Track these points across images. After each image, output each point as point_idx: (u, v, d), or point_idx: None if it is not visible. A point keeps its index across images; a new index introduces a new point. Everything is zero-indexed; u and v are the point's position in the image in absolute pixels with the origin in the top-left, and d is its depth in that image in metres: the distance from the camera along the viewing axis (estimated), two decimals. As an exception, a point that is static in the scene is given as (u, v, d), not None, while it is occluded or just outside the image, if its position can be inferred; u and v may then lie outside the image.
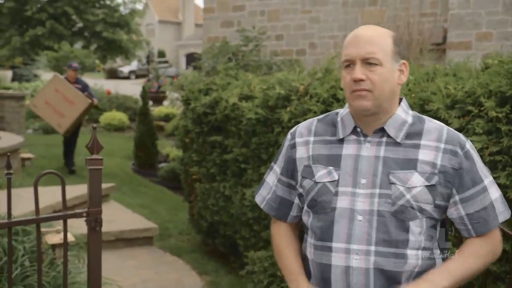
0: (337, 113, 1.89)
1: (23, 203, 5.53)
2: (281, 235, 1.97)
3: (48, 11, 21.65)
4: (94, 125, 2.63)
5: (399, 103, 1.83)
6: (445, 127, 1.80)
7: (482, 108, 2.89)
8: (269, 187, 1.98)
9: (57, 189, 5.90)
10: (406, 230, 1.71)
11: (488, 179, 1.77)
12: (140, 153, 10.72)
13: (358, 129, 1.80)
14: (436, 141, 1.75)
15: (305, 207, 1.87)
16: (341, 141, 1.81)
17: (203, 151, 5.57)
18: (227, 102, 5.06)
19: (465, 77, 3.22)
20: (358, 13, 9.41)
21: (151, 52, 25.94)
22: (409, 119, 1.79)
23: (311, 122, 1.92)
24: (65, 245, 2.64)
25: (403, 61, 1.78)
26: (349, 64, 1.75)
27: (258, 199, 2.02)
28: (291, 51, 10.89)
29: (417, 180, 1.71)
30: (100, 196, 2.66)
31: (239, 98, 4.96)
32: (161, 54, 50.73)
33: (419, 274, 1.75)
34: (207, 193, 5.51)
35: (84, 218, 2.64)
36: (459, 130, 3.00)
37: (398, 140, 1.76)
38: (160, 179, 10.11)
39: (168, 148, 11.54)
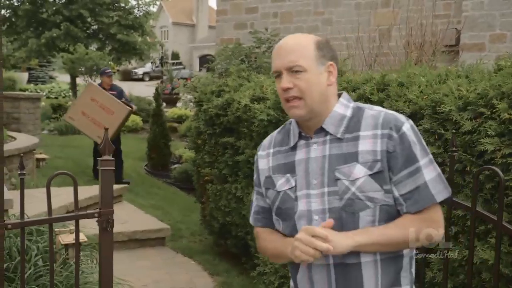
0: (290, 123, 1.96)
1: (37, 203, 5.57)
2: (268, 232, 1.99)
3: (64, 14, 21.80)
4: (106, 126, 2.66)
5: (338, 99, 1.88)
6: (383, 111, 1.82)
7: (494, 110, 2.88)
8: (253, 204, 2.06)
9: (71, 189, 5.94)
10: (357, 221, 1.75)
11: (424, 160, 1.77)
12: (153, 154, 10.77)
13: (303, 134, 1.87)
14: (373, 128, 1.78)
15: (274, 216, 1.94)
16: (294, 148, 1.88)
17: (215, 153, 5.59)
18: (239, 104, 5.07)
19: (478, 79, 3.20)
20: (371, 15, 9.39)
21: (165, 54, 26.06)
22: (348, 113, 1.84)
23: (272, 135, 2.01)
24: (76, 245, 2.67)
25: (330, 62, 1.83)
26: (278, 75, 1.83)
27: (250, 220, 2.08)
28: (304, 53, 10.88)
29: (359, 171, 1.75)
30: (112, 196, 2.68)
31: (251, 99, 4.97)
32: (175, 56, 50.96)
33: (384, 262, 1.78)
34: (219, 194, 5.52)
35: (96, 219, 2.68)
36: (471, 132, 2.99)
37: (339, 135, 1.81)
38: (173, 180, 10.16)
39: (181, 149, 11.58)
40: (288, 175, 1.86)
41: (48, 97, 21.72)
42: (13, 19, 23.69)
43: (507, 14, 8.20)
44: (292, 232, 1.83)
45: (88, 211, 2.65)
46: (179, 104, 18.62)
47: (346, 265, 1.76)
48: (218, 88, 5.75)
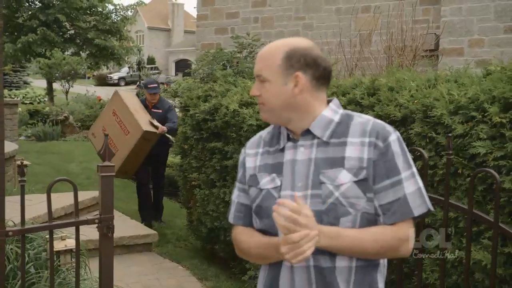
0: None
1: (18, 211, 5.50)
2: (250, 232, 1.96)
3: (40, 18, 21.54)
4: (106, 132, 2.66)
5: (328, 104, 1.90)
6: (372, 120, 1.83)
7: (486, 114, 2.95)
8: (234, 203, 2.04)
9: (55, 196, 5.89)
10: (337, 226, 1.76)
11: (407, 172, 1.78)
12: (134, 160, 10.68)
13: (290, 136, 1.90)
14: (361, 136, 1.79)
15: (253, 214, 1.94)
16: (283, 149, 1.90)
17: (203, 157, 5.59)
18: (227, 109, 5.09)
19: (468, 83, 3.28)
20: (352, 20, 9.50)
21: (141, 58, 25.90)
22: (336, 118, 1.85)
23: (260, 135, 2.03)
24: (77, 251, 2.66)
25: (297, 73, 1.82)
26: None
27: (229, 217, 2.05)
28: (285, 58, 10.94)
29: (344, 177, 1.76)
30: (112, 202, 2.69)
31: (239, 104, 4.99)
32: (151, 60, 50.72)
33: (361, 269, 1.79)
34: (207, 199, 5.52)
35: (96, 225, 2.68)
36: (463, 135, 3.06)
37: (325, 139, 1.82)
38: (155, 186, 10.08)
39: (162, 154, 11.52)
40: (274, 174, 1.87)
41: (23, 103, 21.43)
42: (-13, 24, 23.26)
43: (484, 20, 8.38)
44: (270, 230, 1.84)
45: (88, 217, 2.65)
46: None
47: (322, 268, 1.77)
48: (205, 93, 5.76)
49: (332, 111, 1.86)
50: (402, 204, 1.75)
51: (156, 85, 7.42)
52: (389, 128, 1.82)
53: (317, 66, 1.84)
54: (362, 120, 1.83)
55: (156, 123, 6.98)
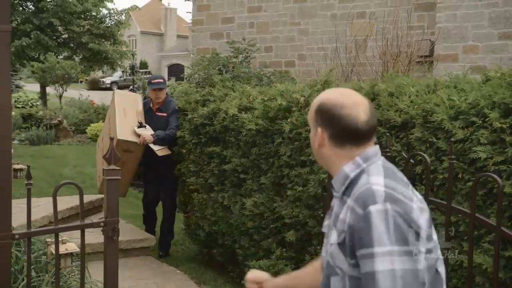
0: None
1: (17, 214, 5.48)
2: None
3: (33, 22, 21.49)
4: (111, 135, 2.67)
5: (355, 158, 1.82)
6: (370, 185, 1.68)
7: (486, 119, 3.00)
8: None
9: (50, 200, 5.87)
10: (329, 285, 1.74)
11: (382, 248, 1.56)
12: (129, 164, 10.66)
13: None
14: (351, 198, 1.70)
15: None
16: None
17: (201, 162, 5.61)
18: (226, 114, 5.11)
19: (468, 89, 3.32)
20: (347, 26, 9.56)
21: (134, 63, 25.89)
22: (352, 175, 1.76)
23: None
24: (82, 255, 2.67)
25: (318, 128, 1.80)
26: None
27: None
28: (280, 63, 10.99)
29: (333, 237, 1.73)
30: (117, 205, 2.70)
31: (238, 109, 5.02)
32: (143, 65, 50.71)
33: None
34: (204, 203, 5.54)
35: (96, 228, 2.69)
36: (464, 140, 3.10)
37: (338, 195, 1.79)
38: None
39: (157, 159, 11.51)
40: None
41: (15, 107, 21.34)
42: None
43: (479, 26, 8.45)
44: None
45: (94, 221, 2.66)
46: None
47: None
48: (203, 97, 5.78)
49: (355, 166, 1.77)
50: (367, 281, 1.57)
51: (161, 80, 6.30)
52: (379, 197, 1.62)
53: (334, 125, 1.76)
54: (362, 182, 1.71)
55: (144, 131, 5.91)
